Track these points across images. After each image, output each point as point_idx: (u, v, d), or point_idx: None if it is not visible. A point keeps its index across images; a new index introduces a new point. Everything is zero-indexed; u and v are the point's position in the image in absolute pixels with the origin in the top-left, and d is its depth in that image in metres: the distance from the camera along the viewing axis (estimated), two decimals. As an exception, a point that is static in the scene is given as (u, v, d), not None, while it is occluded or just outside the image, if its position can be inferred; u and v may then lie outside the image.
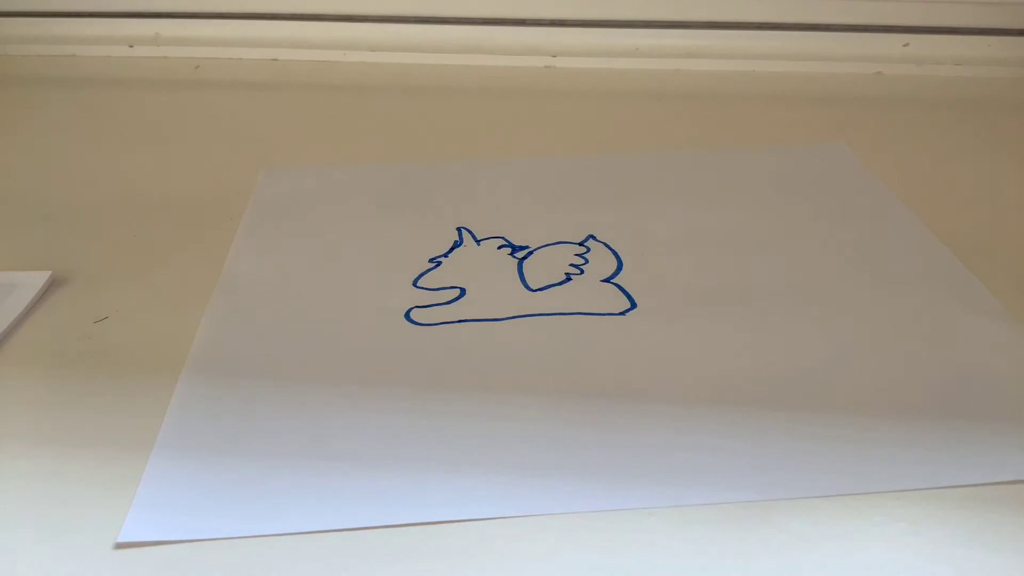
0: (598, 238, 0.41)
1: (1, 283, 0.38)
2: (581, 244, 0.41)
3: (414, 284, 0.38)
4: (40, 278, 0.38)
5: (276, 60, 0.66)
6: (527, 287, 0.38)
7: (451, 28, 0.64)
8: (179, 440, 0.30)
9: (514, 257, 0.40)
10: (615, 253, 0.40)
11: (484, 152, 0.51)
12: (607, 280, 0.38)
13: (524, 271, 0.39)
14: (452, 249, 0.41)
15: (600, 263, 0.40)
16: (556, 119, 0.55)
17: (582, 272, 0.39)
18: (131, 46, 0.67)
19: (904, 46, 0.60)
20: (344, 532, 0.26)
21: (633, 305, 0.37)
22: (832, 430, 0.30)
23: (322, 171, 0.49)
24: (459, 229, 0.42)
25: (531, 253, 0.41)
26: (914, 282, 0.38)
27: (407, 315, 0.36)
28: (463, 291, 0.38)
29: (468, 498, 0.27)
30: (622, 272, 0.39)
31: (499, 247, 0.41)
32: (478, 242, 0.42)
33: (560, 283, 0.38)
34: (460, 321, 0.36)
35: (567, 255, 0.40)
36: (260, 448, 0.29)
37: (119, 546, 0.26)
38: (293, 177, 0.48)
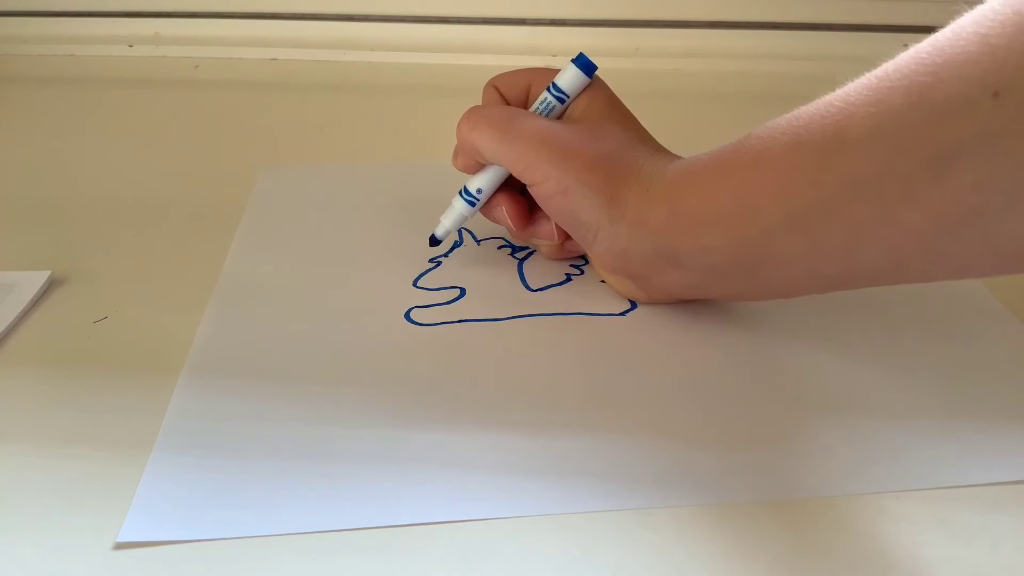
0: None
1: (0, 283, 0.38)
2: (581, 244, 0.41)
3: (414, 284, 0.38)
4: (39, 278, 0.38)
5: (275, 60, 0.66)
6: (527, 287, 0.38)
7: (451, 28, 0.64)
8: (179, 440, 0.30)
9: (514, 257, 0.40)
10: (615, 253, 0.40)
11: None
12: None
13: (524, 271, 0.39)
14: (452, 249, 0.41)
15: (600, 263, 0.39)
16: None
17: (582, 272, 0.39)
18: (131, 46, 0.67)
19: (904, 46, 0.60)
20: (344, 532, 0.26)
21: (633, 305, 0.37)
22: (831, 430, 0.30)
23: (322, 171, 0.49)
24: (459, 229, 0.42)
25: (531, 253, 0.41)
26: (914, 282, 0.37)
27: (407, 315, 0.36)
28: (463, 291, 0.38)
29: (468, 498, 0.27)
30: (622, 272, 0.39)
31: (499, 247, 0.41)
32: (478, 242, 0.42)
33: (560, 283, 0.38)
34: (460, 321, 0.36)
35: (567, 255, 0.40)
36: (260, 448, 0.29)
37: (119, 546, 0.26)
38: (293, 177, 0.48)
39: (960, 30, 0.24)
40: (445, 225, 0.38)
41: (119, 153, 0.52)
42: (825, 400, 0.31)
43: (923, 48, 0.25)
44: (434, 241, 0.39)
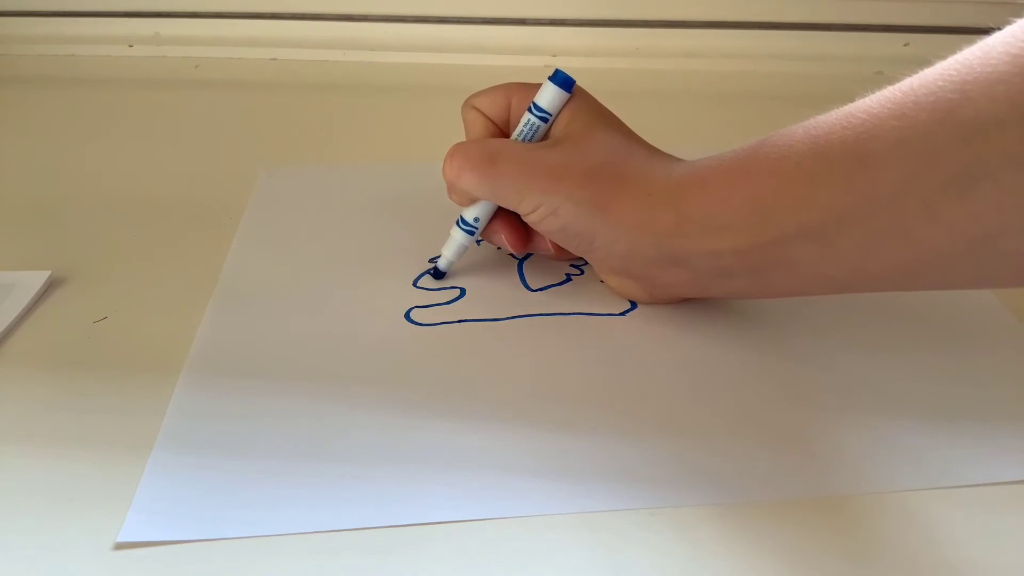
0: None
1: (0, 283, 0.38)
2: (581, 244, 0.41)
3: (414, 284, 0.38)
4: (39, 278, 0.38)
5: (275, 59, 0.66)
6: (527, 287, 0.38)
7: (451, 28, 0.64)
8: (179, 440, 0.30)
9: (514, 257, 0.40)
10: (615, 253, 0.40)
11: (484, 152, 0.51)
12: (607, 280, 0.38)
13: (524, 271, 0.39)
14: (452, 249, 0.41)
15: (600, 263, 0.39)
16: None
17: (582, 272, 0.39)
18: (131, 46, 0.67)
19: (904, 46, 0.60)
20: (344, 532, 0.26)
21: (633, 306, 0.37)
22: (832, 430, 0.30)
23: (322, 171, 0.49)
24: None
25: (531, 253, 0.41)
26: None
27: (407, 315, 0.36)
28: (463, 291, 0.38)
29: (467, 498, 0.27)
30: (622, 272, 0.39)
31: (499, 247, 0.41)
32: (478, 242, 0.42)
33: (560, 283, 0.38)
34: (460, 321, 0.36)
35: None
36: (260, 448, 0.29)
37: (119, 546, 0.26)
38: (293, 177, 0.48)
39: (990, 49, 0.24)
40: (447, 257, 0.38)
41: (119, 153, 0.52)
42: (825, 399, 0.31)
43: (951, 65, 0.25)
44: (438, 274, 0.39)
